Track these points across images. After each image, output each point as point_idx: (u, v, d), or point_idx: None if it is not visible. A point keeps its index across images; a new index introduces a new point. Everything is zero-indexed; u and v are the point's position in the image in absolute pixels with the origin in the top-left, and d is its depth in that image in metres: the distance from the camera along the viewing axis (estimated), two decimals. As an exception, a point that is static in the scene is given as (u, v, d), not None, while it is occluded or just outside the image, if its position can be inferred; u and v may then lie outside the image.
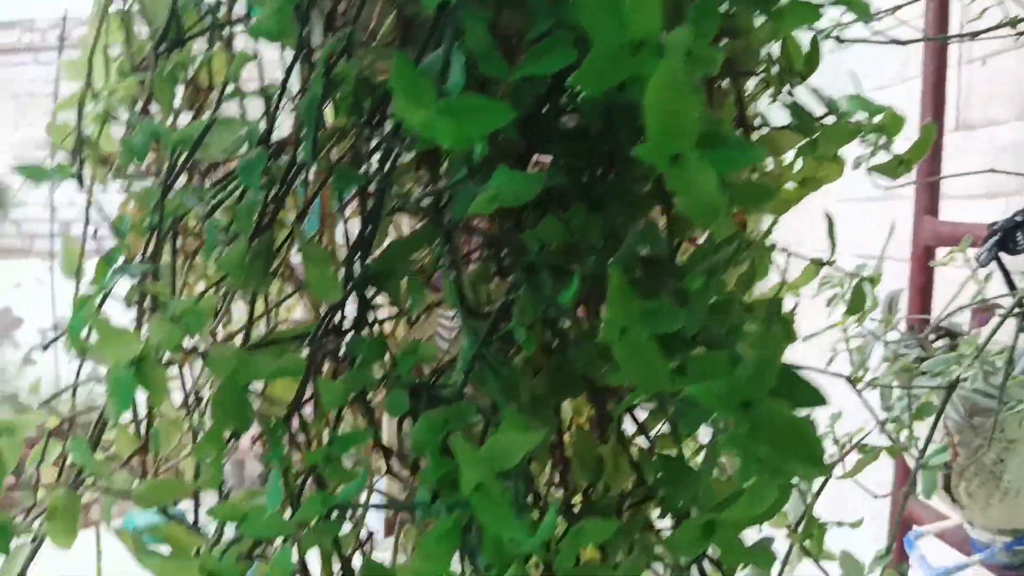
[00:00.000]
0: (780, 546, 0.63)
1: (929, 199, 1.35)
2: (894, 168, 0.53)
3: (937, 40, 1.13)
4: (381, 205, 0.45)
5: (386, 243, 0.47)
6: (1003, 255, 1.14)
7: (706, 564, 0.47)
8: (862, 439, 0.71)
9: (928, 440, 0.67)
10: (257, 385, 0.49)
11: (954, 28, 1.28)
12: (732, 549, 0.38)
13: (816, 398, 0.35)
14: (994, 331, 0.69)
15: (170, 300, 0.41)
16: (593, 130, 0.43)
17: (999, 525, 1.08)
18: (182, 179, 0.50)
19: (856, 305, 0.57)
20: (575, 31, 0.39)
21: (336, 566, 0.47)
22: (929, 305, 1.35)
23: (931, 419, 0.71)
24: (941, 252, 1.37)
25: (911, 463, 1.13)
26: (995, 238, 1.13)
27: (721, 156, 0.33)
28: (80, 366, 0.56)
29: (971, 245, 1.12)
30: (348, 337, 0.49)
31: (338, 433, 0.43)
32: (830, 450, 0.77)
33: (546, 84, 0.42)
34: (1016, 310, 0.78)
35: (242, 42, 0.55)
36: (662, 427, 0.48)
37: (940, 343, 1.28)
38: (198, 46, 0.55)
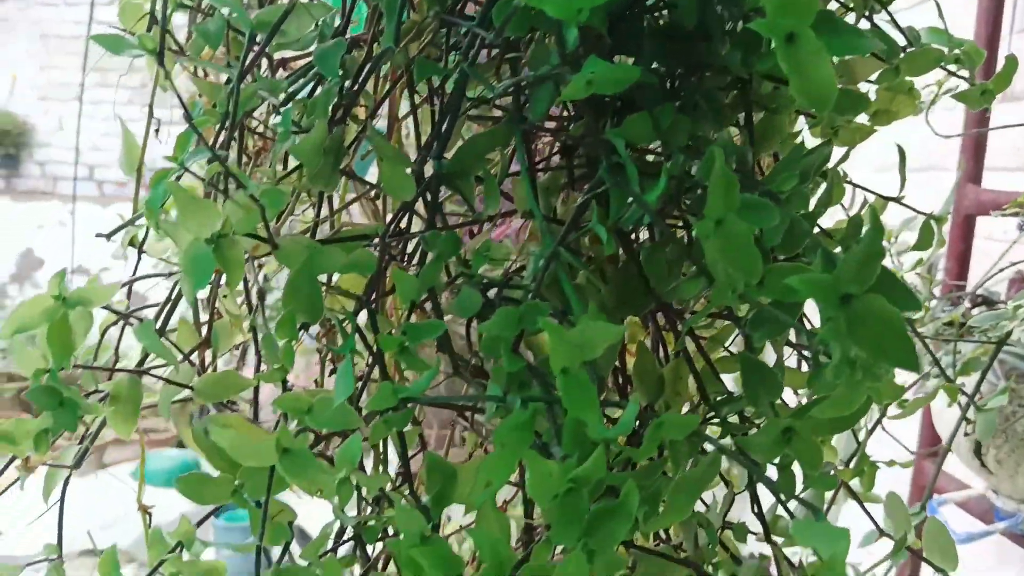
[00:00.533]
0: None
1: (974, 168, 1.33)
2: (976, 97, 0.51)
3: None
4: (460, 100, 0.44)
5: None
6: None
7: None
8: (917, 380, 0.70)
9: (976, 390, 0.66)
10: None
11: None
12: (810, 456, 0.37)
13: (913, 302, 0.35)
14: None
15: (249, 181, 0.40)
16: (685, 31, 0.42)
17: (1027, 494, 1.07)
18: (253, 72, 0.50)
19: (924, 241, 0.56)
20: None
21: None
22: (966, 274, 1.34)
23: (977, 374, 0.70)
24: (982, 221, 1.35)
25: (941, 427, 1.12)
26: (1042, 206, 1.12)
27: (836, 39, 0.32)
28: (138, 262, 0.56)
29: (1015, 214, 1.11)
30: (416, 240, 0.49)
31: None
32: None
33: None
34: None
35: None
36: (733, 340, 0.47)
37: (977, 310, 1.26)
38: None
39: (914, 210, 0.59)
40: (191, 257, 0.38)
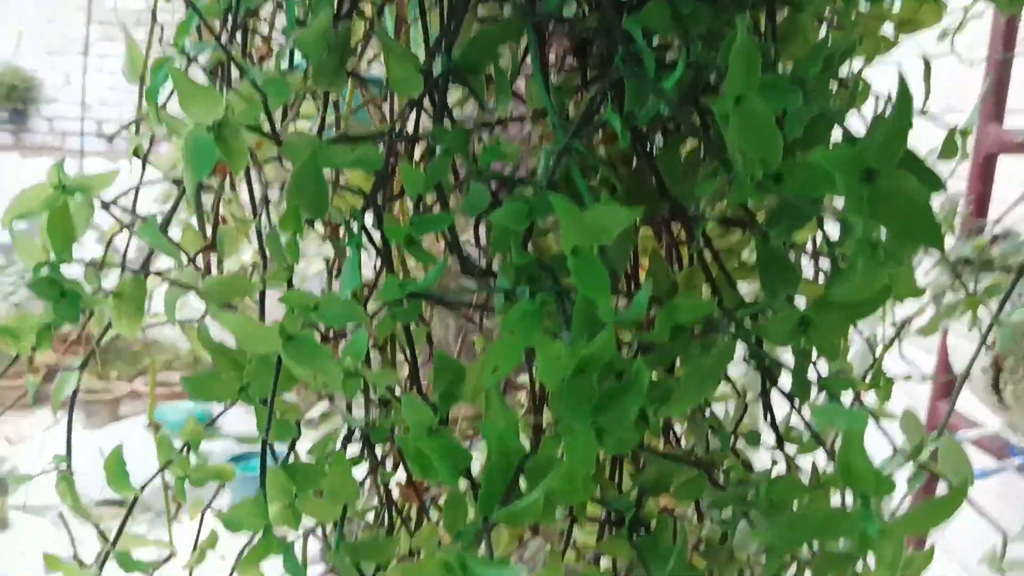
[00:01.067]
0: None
1: (995, 107, 1.30)
2: (1006, 1, 0.49)
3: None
4: (469, -5, 0.43)
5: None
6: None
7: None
8: (930, 302, 0.69)
9: (999, 310, 0.65)
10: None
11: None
12: (828, 346, 0.36)
13: (937, 182, 0.33)
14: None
15: (252, 69, 0.39)
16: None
17: (1042, 431, 1.07)
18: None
19: (948, 150, 0.55)
20: None
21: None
22: (986, 214, 1.32)
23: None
24: (1003, 159, 1.32)
25: (956, 362, 1.11)
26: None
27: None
28: (143, 167, 0.55)
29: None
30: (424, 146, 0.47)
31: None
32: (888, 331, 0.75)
33: None
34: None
35: None
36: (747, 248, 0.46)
37: (997, 247, 1.25)
38: None
39: (938, 124, 0.57)
40: (192, 144, 0.37)
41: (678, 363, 0.43)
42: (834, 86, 0.46)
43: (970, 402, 1.17)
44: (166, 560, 0.52)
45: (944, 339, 1.19)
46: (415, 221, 0.40)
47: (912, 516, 0.32)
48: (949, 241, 1.13)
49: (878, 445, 0.61)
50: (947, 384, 1.25)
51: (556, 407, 0.34)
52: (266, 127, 0.42)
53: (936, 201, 1.31)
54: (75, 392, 0.53)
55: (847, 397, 0.58)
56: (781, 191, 0.37)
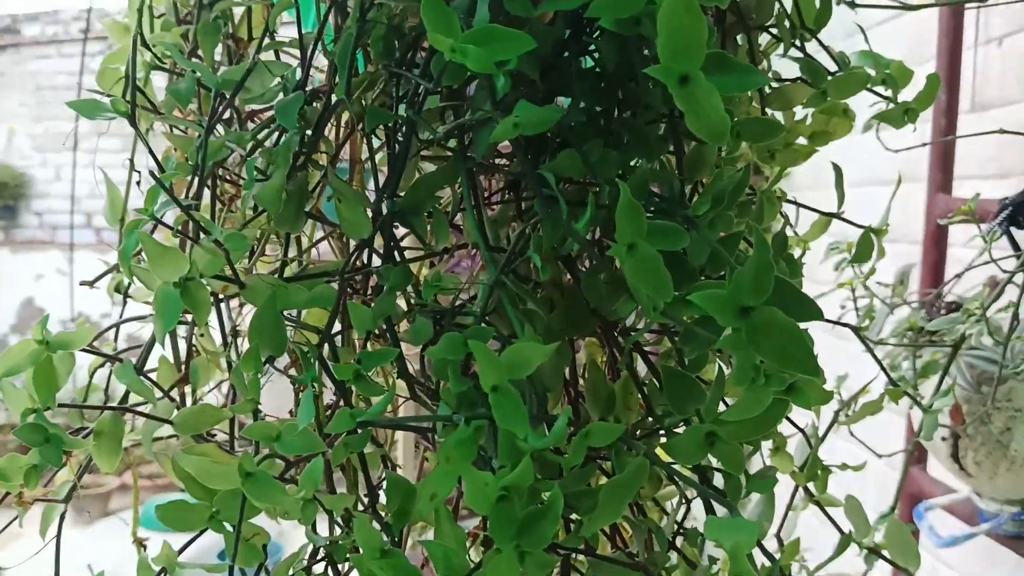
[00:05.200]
0: (786, 491, 0.65)
1: (942, 178, 1.36)
2: (899, 117, 0.55)
3: (951, 4, 1.14)
4: (409, 144, 0.48)
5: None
6: (1014, 230, 1.16)
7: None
8: (866, 386, 0.73)
9: (934, 393, 0.69)
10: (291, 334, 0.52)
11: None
12: (732, 459, 0.40)
13: (814, 312, 0.38)
14: (1000, 289, 0.71)
15: (214, 227, 0.44)
16: (609, 70, 0.45)
17: (1006, 495, 1.10)
18: (222, 126, 0.54)
19: (862, 254, 0.59)
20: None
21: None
22: (940, 282, 1.37)
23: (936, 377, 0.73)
24: (954, 230, 1.38)
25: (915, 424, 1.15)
26: (1006, 212, 1.15)
27: (726, 79, 0.36)
28: (124, 305, 0.59)
29: (981, 221, 1.14)
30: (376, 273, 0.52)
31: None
32: (835, 407, 0.79)
33: (565, 26, 0.45)
34: (1022, 272, 0.79)
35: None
36: (671, 359, 0.50)
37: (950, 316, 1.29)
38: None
39: (852, 224, 0.62)
40: (160, 300, 0.42)
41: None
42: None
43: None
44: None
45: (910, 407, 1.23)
46: (362, 357, 0.44)
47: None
48: (904, 312, 1.18)
49: (827, 532, 0.65)
50: (921, 450, 1.28)
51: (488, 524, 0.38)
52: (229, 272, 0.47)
53: (894, 268, 1.36)
54: (63, 515, 0.56)
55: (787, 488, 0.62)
56: (678, 318, 0.42)
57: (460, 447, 0.39)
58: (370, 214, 0.49)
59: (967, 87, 1.46)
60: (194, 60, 0.56)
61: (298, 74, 0.53)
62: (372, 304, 0.48)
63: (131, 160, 0.61)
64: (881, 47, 0.59)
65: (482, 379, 0.36)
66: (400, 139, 0.50)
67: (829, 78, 0.57)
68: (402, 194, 0.50)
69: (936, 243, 1.35)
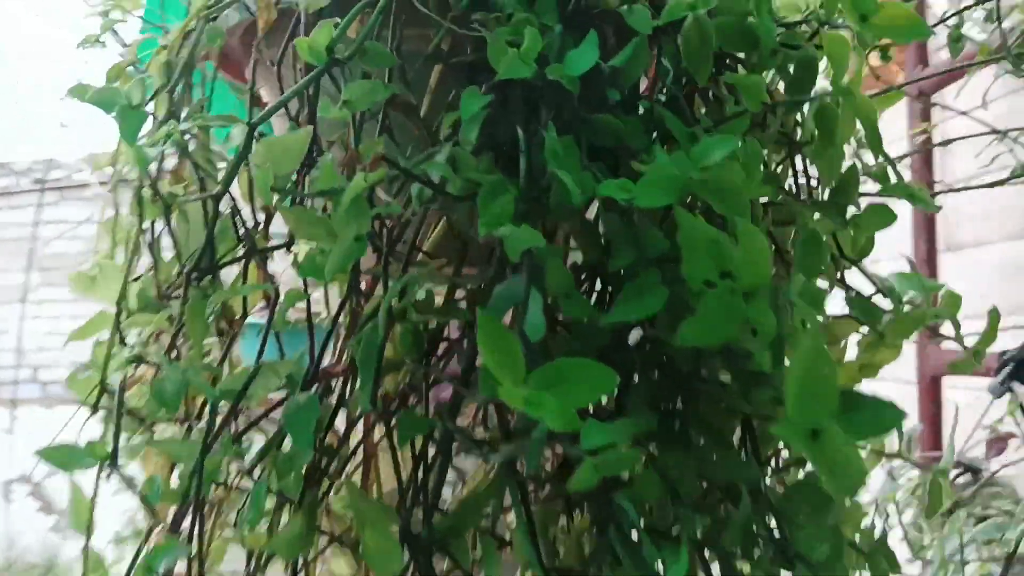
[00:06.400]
0: None
1: (931, 327, 1.34)
2: (969, 363, 0.50)
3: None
4: (448, 456, 0.41)
5: (449, 497, 0.43)
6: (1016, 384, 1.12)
7: None
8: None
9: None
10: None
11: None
12: None
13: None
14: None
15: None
16: (682, 366, 0.39)
17: None
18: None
19: (935, 504, 0.54)
20: (660, 268, 0.36)
21: None
22: (940, 437, 1.32)
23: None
24: (948, 381, 1.35)
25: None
26: (1008, 368, 1.12)
27: (862, 420, 0.30)
28: None
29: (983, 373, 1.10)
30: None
31: None
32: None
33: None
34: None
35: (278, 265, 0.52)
36: None
37: (961, 479, 1.24)
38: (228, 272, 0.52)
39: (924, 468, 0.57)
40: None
41: None
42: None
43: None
44: None
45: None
46: None
47: None
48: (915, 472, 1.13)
49: None
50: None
51: None
52: None
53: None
54: None
55: None
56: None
57: None
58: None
59: (941, 228, 1.47)
60: (178, 349, 0.49)
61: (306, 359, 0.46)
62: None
63: (111, 461, 0.53)
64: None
65: None
66: (435, 443, 0.42)
67: (883, 313, 0.52)
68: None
69: (932, 397, 1.31)
